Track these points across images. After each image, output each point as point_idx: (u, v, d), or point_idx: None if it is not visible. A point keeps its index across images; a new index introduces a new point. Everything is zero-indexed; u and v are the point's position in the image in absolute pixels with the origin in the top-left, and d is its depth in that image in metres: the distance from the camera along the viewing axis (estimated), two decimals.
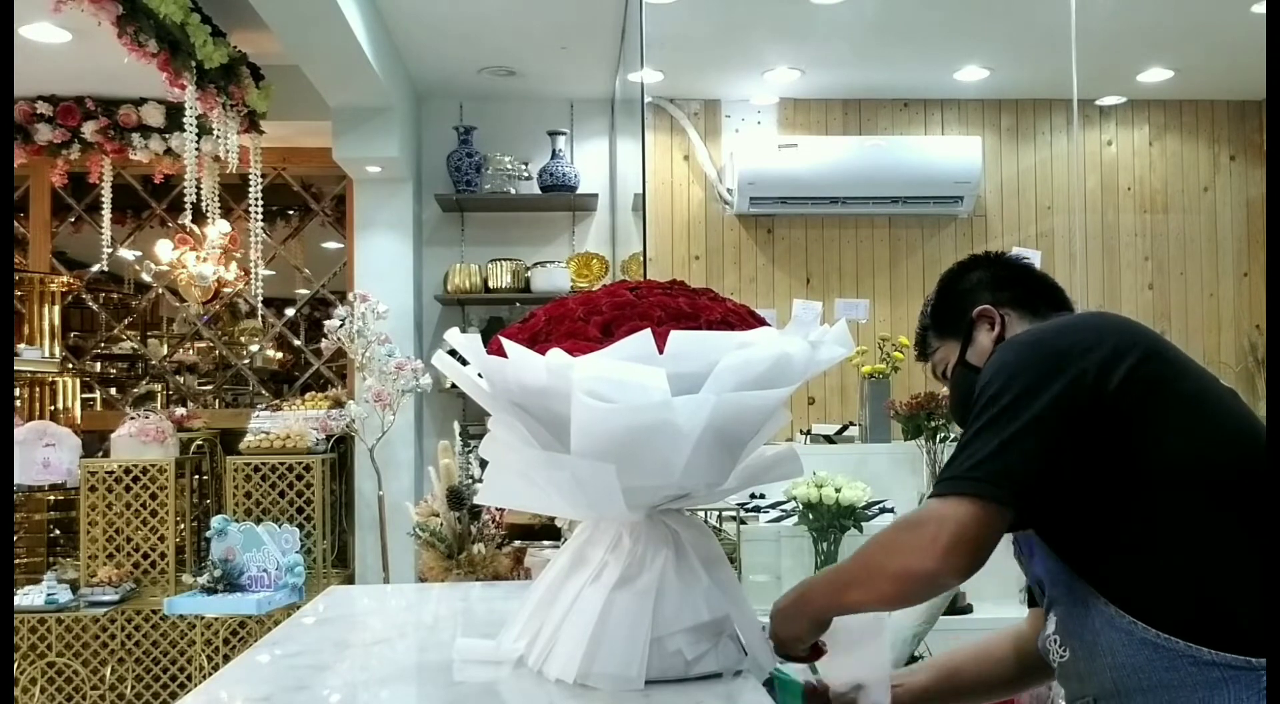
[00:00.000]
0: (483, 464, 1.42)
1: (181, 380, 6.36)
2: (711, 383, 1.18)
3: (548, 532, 3.14)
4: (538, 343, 1.25)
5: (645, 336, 1.17)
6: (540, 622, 1.32)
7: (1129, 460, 1.28)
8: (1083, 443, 1.27)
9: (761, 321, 1.33)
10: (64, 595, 4.43)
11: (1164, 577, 1.26)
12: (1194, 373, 1.35)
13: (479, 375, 1.28)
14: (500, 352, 1.23)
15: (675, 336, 1.19)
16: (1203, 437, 1.29)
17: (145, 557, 4.62)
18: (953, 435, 3.81)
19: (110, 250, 5.20)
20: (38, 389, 5.52)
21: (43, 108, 4.97)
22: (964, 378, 1.53)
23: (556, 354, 1.19)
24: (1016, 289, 1.58)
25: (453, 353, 1.34)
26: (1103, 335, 1.33)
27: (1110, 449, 1.28)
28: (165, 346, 6.34)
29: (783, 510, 3.59)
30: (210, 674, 1.67)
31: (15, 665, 4.28)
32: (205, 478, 5.21)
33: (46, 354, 5.37)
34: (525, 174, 5.33)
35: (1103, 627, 1.30)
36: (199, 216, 4.95)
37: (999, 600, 3.27)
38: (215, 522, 4.11)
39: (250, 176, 4.80)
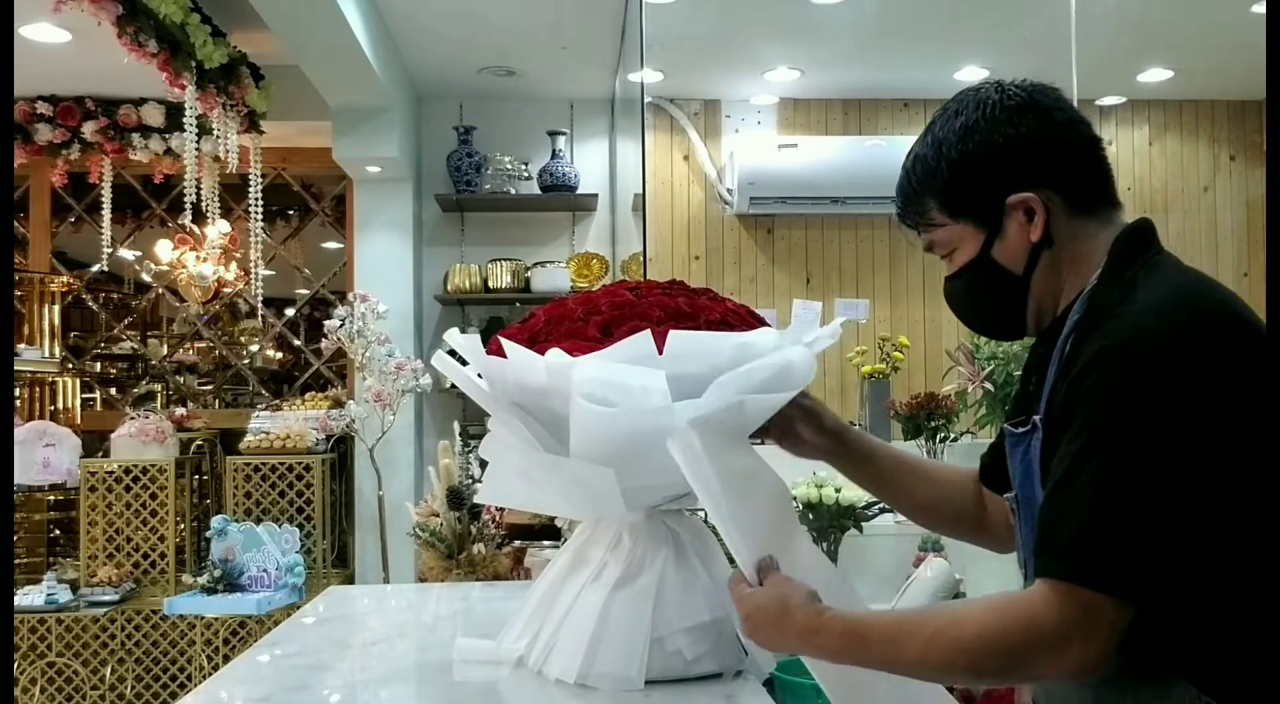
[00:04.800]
0: (483, 464, 1.42)
1: (181, 380, 6.36)
2: (713, 390, 1.18)
3: (548, 532, 3.15)
4: (537, 343, 1.25)
5: (645, 337, 1.17)
6: (540, 622, 1.32)
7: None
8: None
9: (761, 321, 1.33)
10: (64, 595, 4.43)
11: (1244, 651, 1.06)
12: None
13: (479, 375, 1.28)
14: (500, 352, 1.23)
15: (674, 337, 1.19)
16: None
17: (145, 557, 4.62)
18: (953, 436, 3.79)
19: (110, 250, 5.20)
20: (38, 389, 5.52)
21: (43, 108, 4.97)
22: (986, 279, 1.23)
23: (556, 354, 1.19)
24: (1072, 168, 1.19)
25: (452, 353, 1.33)
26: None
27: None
28: (165, 347, 6.34)
29: None
30: (210, 674, 1.67)
31: (15, 665, 4.27)
32: (205, 478, 5.21)
33: (46, 354, 5.37)
34: (525, 174, 5.32)
35: None
36: (199, 216, 4.95)
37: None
38: (215, 522, 4.12)
39: (250, 176, 4.80)
